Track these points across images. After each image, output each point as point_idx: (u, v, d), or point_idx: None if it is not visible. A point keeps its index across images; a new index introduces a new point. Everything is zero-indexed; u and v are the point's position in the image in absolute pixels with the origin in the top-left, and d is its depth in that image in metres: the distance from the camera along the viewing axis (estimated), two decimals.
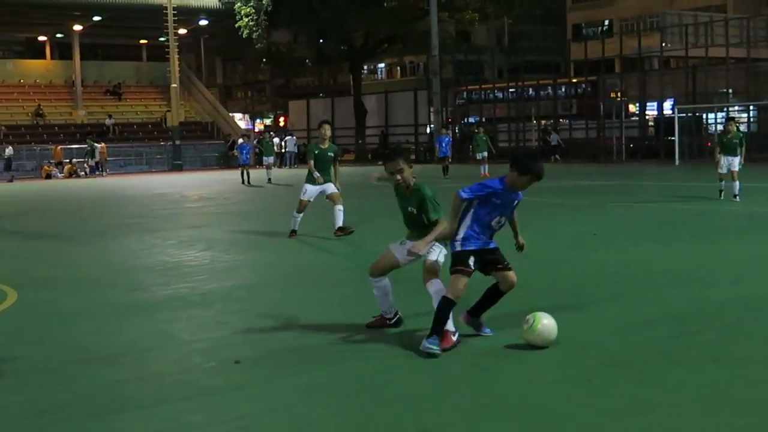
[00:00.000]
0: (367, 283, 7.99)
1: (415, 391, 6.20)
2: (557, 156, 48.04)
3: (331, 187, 15.24)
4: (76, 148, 51.93)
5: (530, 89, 55.35)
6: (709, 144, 40.44)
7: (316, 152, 15.13)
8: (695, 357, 6.83)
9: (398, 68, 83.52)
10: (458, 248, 7.23)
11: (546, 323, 7.13)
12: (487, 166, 33.96)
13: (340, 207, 15.08)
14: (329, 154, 15.15)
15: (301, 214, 15.39)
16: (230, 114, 68.99)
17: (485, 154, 34.43)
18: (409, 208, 7.78)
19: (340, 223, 15.05)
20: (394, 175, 7.75)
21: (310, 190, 15.21)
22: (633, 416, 5.53)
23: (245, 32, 55.49)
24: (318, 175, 15.10)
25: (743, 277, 10.03)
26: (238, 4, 55.11)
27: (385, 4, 58.83)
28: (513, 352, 7.11)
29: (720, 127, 31.23)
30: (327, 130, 15.16)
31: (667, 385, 6.09)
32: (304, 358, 7.18)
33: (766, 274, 10.52)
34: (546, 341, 7.11)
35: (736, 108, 47.11)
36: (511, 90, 56.30)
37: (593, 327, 7.93)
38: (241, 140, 38.37)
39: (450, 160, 36.70)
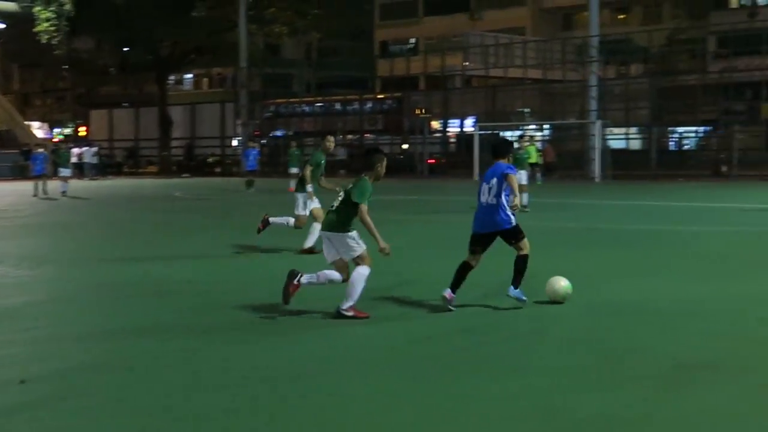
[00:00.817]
0: (163, 298, 7.86)
1: (207, 409, 6.10)
2: (342, 171, 48.83)
3: (316, 201, 14.50)
4: None
5: (338, 104, 55.93)
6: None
7: (322, 162, 14.39)
8: (494, 366, 7.04)
9: (206, 79, 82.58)
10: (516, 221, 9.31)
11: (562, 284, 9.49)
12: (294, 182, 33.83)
13: (318, 225, 13.76)
14: (323, 163, 14.51)
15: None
16: (27, 122, 66.06)
17: (297, 169, 34.34)
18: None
19: (311, 243, 14.03)
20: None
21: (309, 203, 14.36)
22: (439, 427, 5.62)
23: (44, 37, 53.35)
24: (311, 189, 14.32)
25: (536, 288, 10.06)
26: (38, 8, 52.92)
27: (194, 14, 58.01)
28: (307, 368, 7.07)
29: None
30: (331, 142, 14.86)
31: (469, 394, 6.22)
32: (93, 377, 6.94)
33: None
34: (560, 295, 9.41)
35: (532, 126, 49.29)
36: (318, 104, 56.68)
37: (396, 337, 8.05)
38: (38, 150, 36.68)
39: (256, 173, 36.52)
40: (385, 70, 56.77)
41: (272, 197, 31.05)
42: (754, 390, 6.32)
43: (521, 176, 21.94)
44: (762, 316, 8.96)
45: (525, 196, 21.94)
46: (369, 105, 55.74)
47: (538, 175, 35.65)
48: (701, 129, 49.17)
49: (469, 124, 50.62)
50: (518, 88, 49.41)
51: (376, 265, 9.25)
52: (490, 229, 9.23)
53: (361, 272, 8.79)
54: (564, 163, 43.64)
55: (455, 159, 49.62)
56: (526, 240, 9.30)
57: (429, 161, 46.54)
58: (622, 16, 64.59)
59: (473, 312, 9.21)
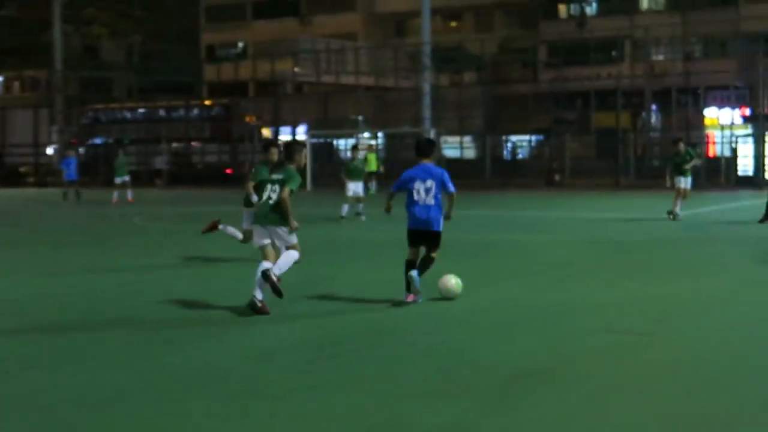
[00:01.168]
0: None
1: None
2: (159, 180, 46.59)
3: None
4: None
5: (162, 110, 53.51)
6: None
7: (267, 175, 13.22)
8: (333, 380, 6.86)
9: (17, 83, 78.19)
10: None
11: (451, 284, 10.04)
12: (122, 192, 31.68)
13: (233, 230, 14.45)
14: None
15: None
16: None
17: (126, 177, 32.32)
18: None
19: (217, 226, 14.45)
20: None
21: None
22: None
23: None
24: (256, 199, 12.88)
25: (370, 300, 10.27)
26: None
27: (2, 13, 54.51)
28: (132, 388, 6.72)
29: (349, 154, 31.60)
30: (275, 154, 13.78)
31: (303, 410, 6.09)
32: None
33: (385, 298, 10.45)
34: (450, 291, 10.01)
35: (366, 135, 48.26)
36: (141, 110, 54.14)
37: (232, 353, 7.82)
38: None
39: (78, 183, 33.91)
40: (213, 75, 54.72)
41: (93, 209, 28.83)
42: (587, 398, 6.37)
43: (357, 186, 21.91)
44: (596, 324, 9.01)
45: (360, 206, 21.97)
46: (195, 111, 53.48)
47: (373, 183, 34.70)
48: (534, 138, 49.50)
49: (301, 131, 49.16)
50: (351, 95, 48.49)
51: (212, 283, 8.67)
52: (423, 227, 9.95)
53: (294, 255, 9.55)
54: (399, 172, 42.79)
55: None
56: (437, 251, 10.06)
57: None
58: (454, 24, 64.56)
59: (316, 324, 9.16)
